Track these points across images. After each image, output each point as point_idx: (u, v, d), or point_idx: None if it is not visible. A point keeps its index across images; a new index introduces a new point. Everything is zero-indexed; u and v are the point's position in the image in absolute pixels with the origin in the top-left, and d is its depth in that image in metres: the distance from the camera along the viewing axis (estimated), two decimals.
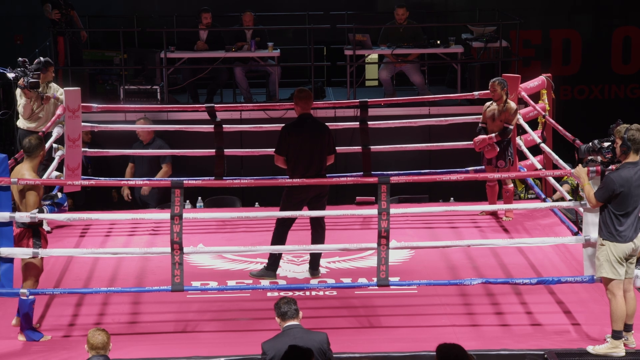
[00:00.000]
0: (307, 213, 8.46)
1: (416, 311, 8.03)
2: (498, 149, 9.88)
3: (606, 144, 7.38)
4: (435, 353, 5.65)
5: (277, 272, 8.69)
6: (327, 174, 10.47)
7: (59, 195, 7.85)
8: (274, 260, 8.62)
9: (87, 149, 10.82)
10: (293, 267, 8.93)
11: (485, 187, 10.24)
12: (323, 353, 6.14)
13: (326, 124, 8.74)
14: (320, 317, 7.66)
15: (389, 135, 11.21)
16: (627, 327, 7.20)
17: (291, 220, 8.53)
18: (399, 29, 13.11)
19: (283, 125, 8.67)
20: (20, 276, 7.62)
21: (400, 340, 7.41)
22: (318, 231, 8.61)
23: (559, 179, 10.26)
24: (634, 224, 7.09)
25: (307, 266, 8.80)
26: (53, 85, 10.06)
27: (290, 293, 7.80)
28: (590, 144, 7.51)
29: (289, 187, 8.45)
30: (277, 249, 8.43)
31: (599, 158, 7.46)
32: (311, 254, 8.69)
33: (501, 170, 9.90)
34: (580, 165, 7.37)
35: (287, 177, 8.58)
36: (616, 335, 7.13)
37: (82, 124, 9.90)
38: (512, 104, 9.90)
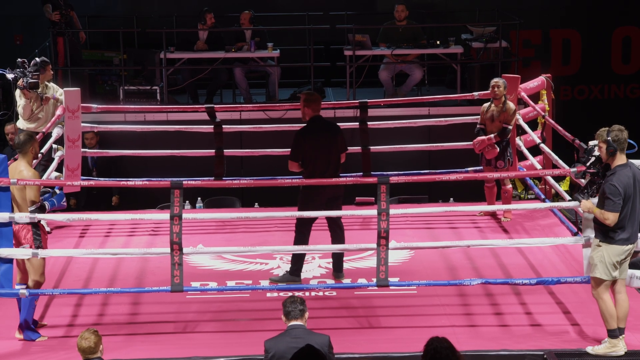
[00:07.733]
0: (323, 213, 8.37)
1: (416, 312, 8.02)
2: (498, 150, 9.87)
3: (589, 162, 7.31)
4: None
5: (277, 273, 8.71)
6: None
7: (57, 191, 7.85)
8: (296, 263, 8.49)
9: (86, 150, 10.81)
10: None
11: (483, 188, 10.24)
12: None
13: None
14: (320, 318, 7.64)
15: (388, 135, 11.21)
16: (620, 331, 7.16)
17: (311, 221, 8.40)
18: (398, 29, 13.10)
19: (297, 131, 8.55)
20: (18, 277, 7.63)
21: (400, 340, 7.41)
22: (337, 232, 8.56)
23: (558, 179, 10.24)
24: (632, 226, 7.06)
25: (310, 266, 8.84)
26: (52, 85, 10.05)
27: (290, 293, 7.78)
28: (577, 168, 7.43)
29: (306, 190, 8.34)
30: (277, 250, 8.42)
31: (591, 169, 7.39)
32: (333, 257, 8.63)
33: (500, 170, 9.89)
34: (583, 200, 7.26)
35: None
36: (612, 334, 7.11)
37: (82, 124, 9.90)
38: (511, 105, 9.90)
